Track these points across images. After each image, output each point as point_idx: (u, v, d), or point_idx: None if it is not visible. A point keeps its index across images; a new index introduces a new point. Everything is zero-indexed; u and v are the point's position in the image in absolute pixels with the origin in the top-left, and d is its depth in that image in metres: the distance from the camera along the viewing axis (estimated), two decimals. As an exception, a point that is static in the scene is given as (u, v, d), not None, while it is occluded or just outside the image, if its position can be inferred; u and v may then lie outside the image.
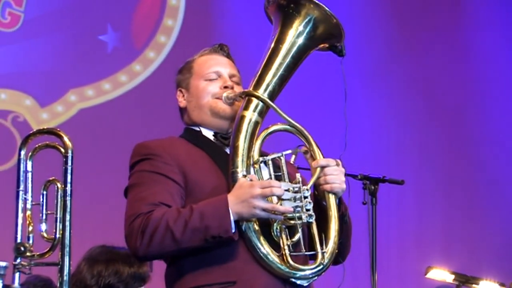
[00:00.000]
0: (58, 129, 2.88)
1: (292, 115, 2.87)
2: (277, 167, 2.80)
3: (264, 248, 2.71)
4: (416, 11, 7.03)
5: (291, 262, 2.71)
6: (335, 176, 2.82)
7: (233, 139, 2.83)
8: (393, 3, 7.06)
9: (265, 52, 2.96)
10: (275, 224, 2.73)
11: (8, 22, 6.25)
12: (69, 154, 2.81)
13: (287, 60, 2.93)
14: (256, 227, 2.71)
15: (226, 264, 2.72)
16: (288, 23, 2.96)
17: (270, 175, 2.77)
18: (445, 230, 6.77)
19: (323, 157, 2.85)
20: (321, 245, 2.75)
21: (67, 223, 2.78)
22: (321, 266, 2.75)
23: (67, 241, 2.77)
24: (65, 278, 2.75)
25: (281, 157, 2.80)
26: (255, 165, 2.78)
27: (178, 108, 3.05)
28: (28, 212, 2.80)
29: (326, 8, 2.96)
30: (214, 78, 2.99)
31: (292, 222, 2.73)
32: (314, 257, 2.77)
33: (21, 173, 2.82)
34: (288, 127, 2.87)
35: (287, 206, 2.70)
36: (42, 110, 6.24)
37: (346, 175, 2.89)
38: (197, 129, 2.98)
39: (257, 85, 2.90)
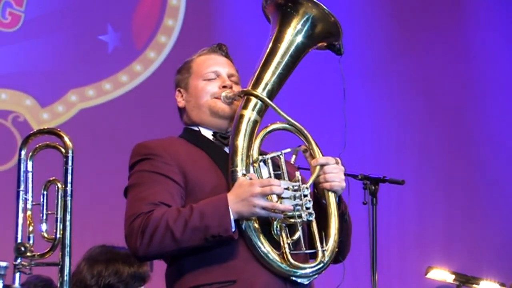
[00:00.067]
0: (59, 129, 2.88)
1: (291, 114, 2.87)
2: (276, 165, 2.80)
3: (264, 246, 2.71)
4: (416, 11, 7.03)
5: (291, 260, 2.71)
6: (335, 174, 2.82)
7: (232, 138, 2.83)
8: (393, 3, 7.06)
9: (263, 51, 2.96)
10: (275, 222, 2.74)
11: (9, 22, 6.26)
12: (70, 154, 2.81)
13: (286, 59, 2.94)
14: (256, 226, 2.71)
15: (226, 263, 2.73)
16: (286, 22, 2.96)
17: (270, 173, 2.78)
18: (445, 230, 6.78)
19: (323, 156, 2.85)
20: (321, 243, 2.76)
21: (68, 223, 2.78)
22: (322, 264, 2.75)
23: (67, 241, 2.77)
24: (66, 278, 2.75)
25: (280, 156, 2.81)
26: (255, 164, 2.79)
27: (177, 108, 3.05)
28: (29, 212, 2.80)
29: (324, 7, 2.96)
30: (212, 77, 3.00)
31: (292, 220, 2.73)
32: (314, 255, 2.77)
33: (22, 173, 2.82)
34: (287, 125, 2.87)
35: (287, 205, 2.70)
36: (42, 110, 6.25)
37: (347, 175, 2.90)
38: (196, 129, 2.99)
39: (256, 84, 2.90)
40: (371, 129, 6.77)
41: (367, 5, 6.96)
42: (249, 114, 2.86)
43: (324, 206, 2.83)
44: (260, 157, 2.80)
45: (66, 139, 2.82)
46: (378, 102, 6.83)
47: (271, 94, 2.90)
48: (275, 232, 2.74)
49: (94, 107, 6.33)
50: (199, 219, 2.67)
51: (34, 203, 2.82)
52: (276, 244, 2.73)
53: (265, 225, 2.73)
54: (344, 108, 3.00)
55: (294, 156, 2.91)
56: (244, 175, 2.74)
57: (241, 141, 2.81)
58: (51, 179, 2.83)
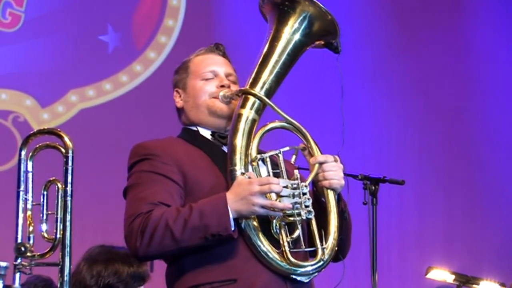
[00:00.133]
0: (59, 129, 2.88)
1: (289, 112, 2.87)
2: (275, 164, 2.81)
3: (264, 245, 2.71)
4: (416, 11, 7.03)
5: (291, 258, 2.71)
6: (334, 172, 2.82)
7: (230, 137, 2.84)
8: (393, 3, 7.07)
9: (261, 50, 2.96)
10: (274, 221, 2.74)
11: (9, 22, 6.26)
12: (70, 154, 2.81)
13: (283, 57, 2.94)
14: (256, 225, 2.71)
15: (226, 262, 2.73)
16: (283, 20, 2.96)
17: (268, 172, 2.78)
18: (445, 230, 6.78)
19: (321, 154, 2.85)
20: (321, 241, 2.76)
21: (68, 223, 2.78)
22: (322, 262, 2.75)
23: (67, 241, 2.77)
24: (66, 278, 2.75)
25: (279, 154, 2.81)
26: (253, 163, 2.79)
27: (175, 109, 3.06)
28: (29, 212, 2.80)
29: (321, 5, 2.96)
30: (210, 77, 3.00)
31: (291, 218, 2.73)
32: (314, 254, 2.77)
33: (22, 173, 2.82)
34: (285, 124, 2.88)
35: (285, 203, 2.70)
36: (42, 110, 6.25)
37: (347, 175, 2.90)
38: (195, 128, 2.99)
39: (254, 83, 2.90)
40: (372, 129, 6.77)
41: (367, 5, 6.97)
42: (247, 113, 2.86)
43: (323, 204, 2.83)
44: (259, 156, 2.80)
45: (66, 139, 2.82)
46: (378, 102, 6.83)
47: (269, 93, 2.90)
48: (275, 230, 2.74)
49: (94, 107, 6.33)
50: (199, 218, 2.67)
51: (34, 203, 2.81)
52: (275, 243, 2.73)
53: (265, 223, 2.73)
54: (342, 106, 3.00)
55: (294, 156, 2.91)
56: (242, 174, 2.74)
57: (239, 140, 2.81)
58: (51, 179, 2.83)
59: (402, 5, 7.05)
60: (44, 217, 2.81)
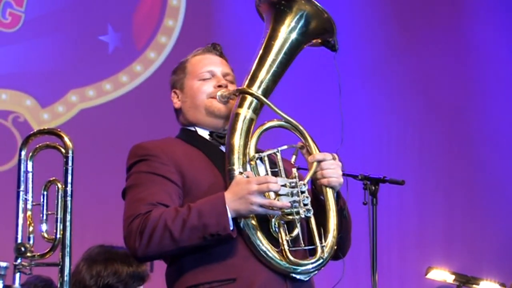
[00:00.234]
0: (59, 130, 2.88)
1: (287, 111, 2.87)
2: (273, 163, 2.81)
3: (263, 244, 2.71)
4: (416, 11, 7.03)
5: (290, 257, 2.71)
6: (332, 170, 2.82)
7: (228, 137, 2.84)
8: (393, 3, 7.07)
9: (257, 49, 2.96)
10: (273, 220, 2.74)
11: (9, 23, 6.26)
12: (70, 155, 2.81)
13: (280, 56, 2.94)
14: (255, 224, 2.71)
15: (225, 261, 2.73)
16: (280, 19, 2.97)
17: (267, 171, 2.78)
18: (445, 231, 6.78)
19: (320, 152, 2.85)
20: (320, 239, 2.76)
21: (68, 224, 2.77)
22: (321, 260, 2.75)
23: (67, 242, 2.76)
24: (66, 278, 2.75)
25: (277, 153, 2.81)
26: (251, 162, 2.79)
27: (173, 109, 3.06)
28: (29, 213, 2.80)
29: (317, 3, 2.97)
30: (208, 77, 3.00)
31: (290, 217, 2.73)
32: (313, 252, 2.77)
33: (22, 173, 2.82)
34: (283, 123, 2.88)
35: (284, 201, 2.70)
36: (42, 110, 6.25)
37: (347, 175, 2.90)
38: (193, 129, 2.99)
39: (251, 83, 2.90)
40: (371, 129, 6.77)
41: (367, 5, 6.97)
42: (245, 113, 2.86)
43: (322, 203, 2.83)
44: (257, 155, 2.80)
45: (66, 139, 2.82)
46: (378, 102, 6.83)
47: (266, 92, 2.90)
48: (274, 229, 2.74)
49: (94, 107, 6.33)
50: (197, 218, 2.67)
51: (34, 203, 2.81)
52: (275, 241, 2.73)
53: (264, 222, 2.73)
54: (340, 105, 3.00)
55: (294, 156, 2.90)
56: (241, 173, 2.75)
57: (237, 140, 2.81)
58: (51, 179, 2.83)
59: (402, 5, 7.06)
60: (44, 217, 2.81)
